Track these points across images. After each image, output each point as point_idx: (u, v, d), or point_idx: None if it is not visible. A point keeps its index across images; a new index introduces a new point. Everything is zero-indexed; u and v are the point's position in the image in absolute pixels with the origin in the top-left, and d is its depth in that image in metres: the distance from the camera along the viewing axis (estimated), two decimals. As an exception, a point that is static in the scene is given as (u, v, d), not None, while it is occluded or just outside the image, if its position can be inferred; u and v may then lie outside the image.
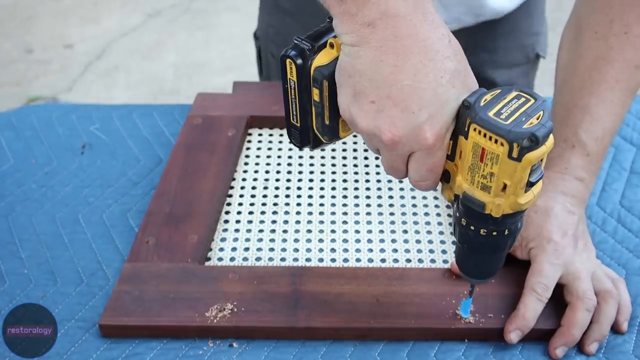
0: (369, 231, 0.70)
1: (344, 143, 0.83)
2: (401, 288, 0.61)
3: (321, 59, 0.52)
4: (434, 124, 0.48)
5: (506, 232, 0.52)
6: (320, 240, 0.68)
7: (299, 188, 0.75)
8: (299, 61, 0.52)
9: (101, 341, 0.58)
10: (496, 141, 0.47)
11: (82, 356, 0.57)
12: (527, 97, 0.48)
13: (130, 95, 2.47)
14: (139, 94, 2.47)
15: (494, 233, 0.52)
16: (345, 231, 0.70)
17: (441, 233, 0.70)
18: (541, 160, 0.48)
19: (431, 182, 0.52)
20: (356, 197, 0.74)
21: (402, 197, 0.74)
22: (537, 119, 0.47)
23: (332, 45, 0.52)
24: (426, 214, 0.72)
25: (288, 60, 0.52)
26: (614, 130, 0.67)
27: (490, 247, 0.53)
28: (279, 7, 0.97)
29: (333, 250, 0.67)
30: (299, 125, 0.56)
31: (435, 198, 0.74)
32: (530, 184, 0.49)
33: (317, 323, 0.58)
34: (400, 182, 0.77)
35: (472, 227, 0.52)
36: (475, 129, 0.47)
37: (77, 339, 0.58)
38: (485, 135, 0.47)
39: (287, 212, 0.72)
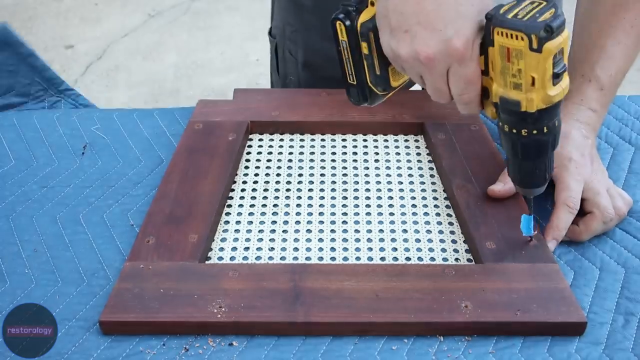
0: (369, 231, 0.70)
1: (344, 147, 0.83)
2: (401, 284, 0.61)
3: (365, 16, 0.62)
4: (461, 35, 0.56)
5: (545, 130, 0.58)
6: (320, 240, 0.69)
7: (299, 190, 0.76)
8: (347, 22, 0.62)
9: (102, 340, 0.58)
10: (517, 37, 0.54)
11: (82, 355, 0.57)
12: (540, 1, 0.56)
13: (131, 95, 2.48)
14: (140, 95, 2.48)
15: (534, 132, 0.58)
16: (345, 231, 0.70)
17: (440, 232, 0.70)
18: (562, 52, 0.55)
19: (473, 94, 0.60)
20: (356, 197, 0.75)
21: (401, 197, 0.75)
22: (550, 14, 0.54)
23: (372, 3, 0.61)
24: (426, 213, 0.72)
25: (338, 23, 0.62)
26: (626, 70, 0.76)
27: (534, 148, 0.59)
28: (296, 3, 0.97)
29: (333, 249, 0.68)
30: (355, 83, 0.65)
31: (435, 199, 0.75)
32: (556, 76, 0.55)
33: (316, 318, 0.58)
34: (400, 182, 0.77)
35: (514, 130, 0.59)
36: (498, 32, 0.55)
37: (77, 338, 0.59)
38: (507, 35, 0.55)
39: (287, 213, 0.72)
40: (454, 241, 0.69)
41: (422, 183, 0.77)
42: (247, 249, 0.68)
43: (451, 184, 0.74)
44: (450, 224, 0.71)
